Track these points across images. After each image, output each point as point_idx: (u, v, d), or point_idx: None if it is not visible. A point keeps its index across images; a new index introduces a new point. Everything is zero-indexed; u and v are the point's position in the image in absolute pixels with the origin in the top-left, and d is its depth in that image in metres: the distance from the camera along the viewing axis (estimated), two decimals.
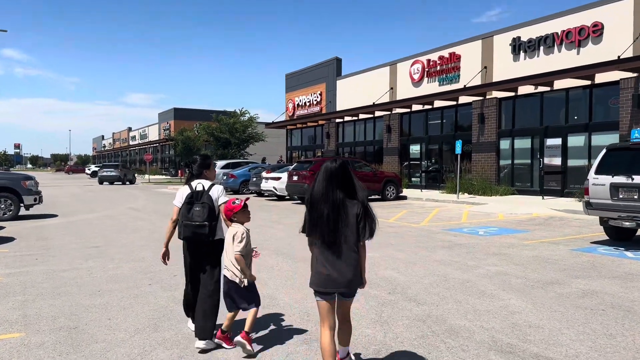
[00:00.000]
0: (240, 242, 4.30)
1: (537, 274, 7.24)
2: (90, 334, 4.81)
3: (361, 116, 30.27)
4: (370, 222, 3.52)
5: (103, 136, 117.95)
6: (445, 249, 9.35)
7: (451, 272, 7.36)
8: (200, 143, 51.08)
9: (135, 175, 48.20)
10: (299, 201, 20.97)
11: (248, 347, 4.24)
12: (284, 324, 5.09)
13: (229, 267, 4.35)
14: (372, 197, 21.08)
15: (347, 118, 31.45)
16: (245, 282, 4.34)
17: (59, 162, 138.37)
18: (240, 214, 4.45)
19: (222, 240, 4.62)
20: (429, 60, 25.63)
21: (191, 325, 4.88)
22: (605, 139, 17.92)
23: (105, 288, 6.60)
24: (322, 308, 3.58)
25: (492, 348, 4.36)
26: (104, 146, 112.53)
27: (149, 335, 4.77)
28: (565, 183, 19.20)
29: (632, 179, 8.80)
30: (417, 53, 26.66)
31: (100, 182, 41.93)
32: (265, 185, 22.13)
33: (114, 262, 8.31)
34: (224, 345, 4.45)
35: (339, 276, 3.48)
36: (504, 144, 21.90)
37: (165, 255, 4.87)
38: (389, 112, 27.82)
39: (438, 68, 25.09)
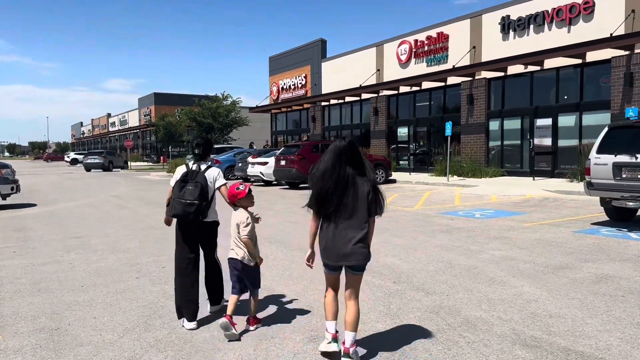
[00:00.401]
0: (246, 226, 4.32)
1: (544, 258, 6.95)
2: (74, 336, 4.37)
3: (347, 99, 29.79)
4: (380, 199, 3.63)
5: (82, 123, 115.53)
6: (444, 234, 9.03)
7: (455, 258, 7.03)
8: (182, 128, 50.13)
9: (128, 161, 47.59)
10: (286, 186, 20.53)
11: (252, 327, 4.43)
12: (286, 319, 4.69)
13: (236, 248, 4.39)
14: None
15: (333, 101, 30.94)
16: (252, 264, 4.41)
17: (37, 150, 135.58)
18: (245, 199, 4.45)
19: (215, 223, 4.76)
20: (416, 41, 25.18)
21: (187, 325, 4.53)
22: (596, 119, 17.78)
23: (89, 282, 6.14)
24: (330, 280, 3.81)
25: (515, 342, 4.02)
26: (83, 133, 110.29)
27: (140, 336, 4.34)
28: (556, 164, 19.04)
29: (637, 158, 8.54)
30: (404, 33, 26.18)
31: (88, 170, 41.58)
32: (252, 170, 21.62)
33: (98, 254, 7.83)
34: (234, 330, 4.26)
35: (347, 250, 3.57)
36: (494, 125, 21.65)
37: (169, 222, 4.92)
38: (375, 95, 27.39)
39: (426, 48, 24.66)
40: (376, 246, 7.67)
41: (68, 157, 66.56)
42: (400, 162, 26.59)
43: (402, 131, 26.27)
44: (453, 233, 9.06)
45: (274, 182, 21.37)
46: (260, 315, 4.72)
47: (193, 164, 4.69)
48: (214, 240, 4.83)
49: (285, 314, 4.83)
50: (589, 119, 17.99)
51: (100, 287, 5.94)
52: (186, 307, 4.58)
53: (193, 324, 4.52)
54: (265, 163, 21.03)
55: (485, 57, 21.36)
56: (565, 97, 19.18)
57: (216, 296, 4.97)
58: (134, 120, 74.71)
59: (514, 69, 20.29)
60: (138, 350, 4.02)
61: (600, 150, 9.20)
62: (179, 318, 4.65)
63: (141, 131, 70.12)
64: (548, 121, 18.86)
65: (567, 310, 4.77)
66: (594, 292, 5.35)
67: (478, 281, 5.85)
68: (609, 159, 8.95)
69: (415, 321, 4.55)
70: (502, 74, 20.91)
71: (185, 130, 50.64)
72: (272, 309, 4.99)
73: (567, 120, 18.78)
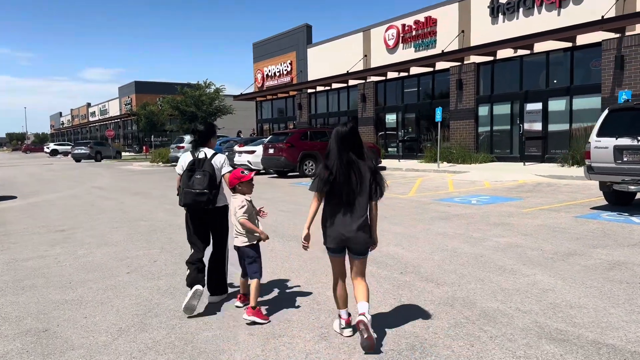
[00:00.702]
0: (241, 208, 4.32)
1: (551, 244, 6.74)
2: (64, 338, 4.02)
3: (334, 86, 29.40)
4: (380, 183, 3.70)
5: (61, 113, 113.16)
6: (443, 221, 8.80)
7: (459, 246, 6.79)
8: (165, 117, 49.27)
9: (120, 151, 47.74)
10: (275, 175, 20.17)
11: (259, 320, 4.23)
12: (293, 315, 4.40)
13: (239, 236, 4.38)
14: None
15: (319, 88, 30.53)
16: (256, 241, 4.42)
17: (16, 142, 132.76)
18: (246, 185, 4.42)
19: (226, 207, 4.76)
20: (404, 25, 24.84)
21: (210, 299, 4.76)
22: (586, 102, 17.70)
23: (77, 279, 5.78)
24: (335, 264, 3.85)
25: (541, 335, 3.78)
26: (62, 123, 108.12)
27: (136, 337, 4.01)
28: (546, 148, 18.97)
29: (638, 141, 8.36)
30: (391, 18, 25.81)
31: (78, 160, 41.99)
32: (239, 159, 21.20)
33: (85, 248, 7.44)
34: (258, 320, 4.23)
35: (351, 234, 3.66)
36: (483, 111, 21.49)
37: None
38: (363, 81, 27.05)
39: (414, 33, 24.34)
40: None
41: (48, 148, 65.23)
42: (389, 149, 26.36)
43: (391, 118, 26.01)
44: (452, 220, 8.83)
45: (261, 171, 20.99)
46: (264, 311, 4.43)
47: (200, 151, 4.67)
48: (225, 225, 4.81)
49: (291, 310, 4.53)
50: (580, 103, 17.90)
51: (89, 283, 5.58)
52: (209, 282, 4.76)
53: (216, 297, 4.79)
54: (253, 152, 20.64)
55: (474, 42, 21.13)
56: (555, 81, 19.06)
57: (215, 286, 4.86)
58: (114, 110, 73.36)
59: (504, 53, 20.10)
60: (136, 354, 3.70)
61: (600, 133, 9.01)
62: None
63: (122, 121, 68.89)
64: (538, 106, 18.73)
65: (586, 300, 4.54)
66: (609, 279, 5.14)
67: (488, 270, 5.61)
68: (610, 142, 8.77)
69: (431, 314, 4.28)
70: (491, 58, 20.71)
71: (168, 119, 49.80)
72: (275, 304, 4.69)
73: (557, 105, 18.68)
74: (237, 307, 4.62)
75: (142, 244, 7.57)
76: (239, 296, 4.68)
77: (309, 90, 31.68)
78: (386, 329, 4.00)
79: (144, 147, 48.21)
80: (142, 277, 5.75)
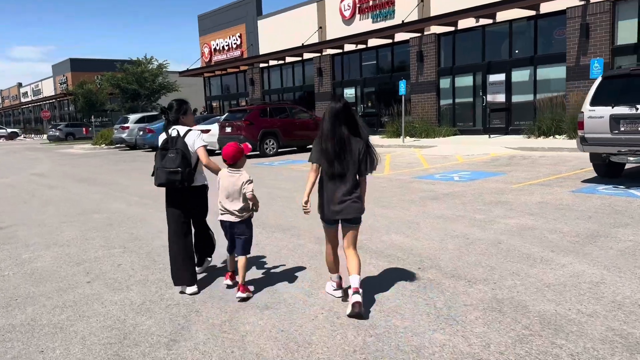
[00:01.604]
0: (250, 183, 4.32)
1: (566, 225, 6.14)
2: None
3: (288, 59, 28.20)
4: (371, 157, 3.89)
5: None
6: (434, 201, 8.11)
7: (469, 231, 6.08)
8: (105, 96, 46.56)
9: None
10: None
11: (251, 295, 4.30)
12: (301, 326, 3.53)
13: (232, 211, 4.31)
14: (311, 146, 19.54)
15: (272, 62, 29.23)
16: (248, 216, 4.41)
17: None
18: (243, 159, 4.46)
19: (205, 187, 4.71)
20: None
21: (188, 290, 4.43)
22: (551, 72, 17.48)
23: (24, 293, 4.67)
24: (329, 234, 4.09)
25: (630, 349, 3.08)
26: None
27: None
28: (510, 120, 18.71)
29: (637, 109, 7.89)
30: None
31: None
32: None
33: (30, 250, 6.25)
34: (250, 295, 4.28)
35: (344, 204, 3.85)
36: (445, 83, 21.00)
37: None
38: (319, 54, 26.00)
39: (371, 3, 23.42)
40: (369, 221, 6.62)
41: None
42: None
43: (349, 92, 25.18)
44: (444, 200, 8.15)
45: (217, 152, 19.73)
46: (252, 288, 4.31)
47: (172, 129, 4.55)
48: (204, 205, 4.76)
49: (292, 305, 3.66)
50: (544, 72, 17.66)
51: (40, 299, 4.49)
52: (184, 270, 4.47)
53: (194, 288, 4.45)
54: (208, 131, 19.30)
55: (435, 12, 20.46)
56: (517, 51, 18.73)
57: (202, 258, 5.01)
58: (48, 90, 68.79)
59: (465, 23, 19.56)
60: None
61: (594, 102, 8.50)
62: (176, 285, 4.50)
63: (58, 101, 64.74)
64: (501, 77, 18.40)
65: None
66: None
67: (515, 260, 4.91)
68: (606, 111, 8.27)
69: (483, 326, 3.51)
70: (452, 28, 20.15)
71: (108, 97, 47.07)
72: (278, 308, 3.79)
73: (520, 75, 18.38)
74: (228, 285, 4.50)
75: (100, 242, 6.46)
76: (227, 274, 4.57)
77: (262, 65, 30.32)
78: (435, 346, 3.20)
79: (84, 129, 45.32)
80: (107, 288, 4.71)
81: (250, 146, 4.57)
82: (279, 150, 18.26)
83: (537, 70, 17.88)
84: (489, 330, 3.44)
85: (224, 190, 4.36)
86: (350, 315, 3.71)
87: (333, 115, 3.84)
